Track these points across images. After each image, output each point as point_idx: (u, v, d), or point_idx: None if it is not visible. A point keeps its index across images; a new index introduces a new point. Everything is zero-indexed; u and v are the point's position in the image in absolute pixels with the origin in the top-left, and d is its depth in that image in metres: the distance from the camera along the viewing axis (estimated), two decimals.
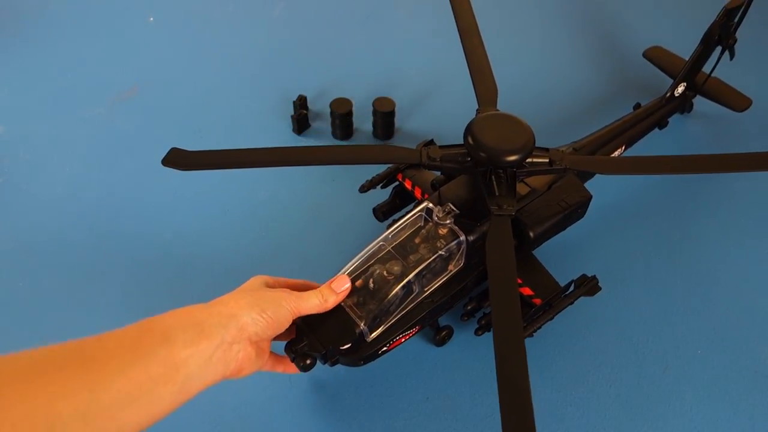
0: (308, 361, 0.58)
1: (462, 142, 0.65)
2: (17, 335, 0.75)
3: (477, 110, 0.71)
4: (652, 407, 0.70)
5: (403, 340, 0.65)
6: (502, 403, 0.49)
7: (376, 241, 0.64)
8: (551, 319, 0.69)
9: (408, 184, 0.77)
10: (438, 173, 0.74)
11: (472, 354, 0.73)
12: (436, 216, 0.64)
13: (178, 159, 0.65)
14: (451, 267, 0.65)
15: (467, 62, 0.75)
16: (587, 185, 0.76)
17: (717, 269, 0.82)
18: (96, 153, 0.95)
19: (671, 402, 0.70)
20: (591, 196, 0.71)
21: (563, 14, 1.21)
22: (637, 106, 0.93)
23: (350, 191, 0.82)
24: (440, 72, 1.08)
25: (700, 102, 0.97)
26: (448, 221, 0.63)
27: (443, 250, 0.63)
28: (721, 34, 0.85)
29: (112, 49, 1.12)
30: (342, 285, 0.59)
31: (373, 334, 0.61)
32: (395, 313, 0.62)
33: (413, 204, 0.79)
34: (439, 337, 0.72)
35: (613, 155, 0.84)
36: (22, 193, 0.90)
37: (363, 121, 0.99)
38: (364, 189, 0.79)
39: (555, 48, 1.14)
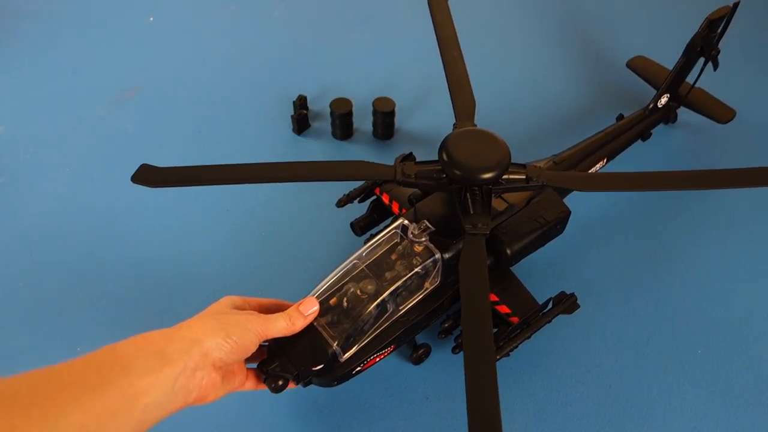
0: (280, 383, 0.57)
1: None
2: (17, 335, 0.75)
3: (454, 124, 0.70)
4: (652, 407, 0.70)
5: (378, 359, 0.64)
6: (471, 429, 0.47)
7: (350, 259, 0.62)
8: (528, 338, 0.67)
9: (386, 199, 0.76)
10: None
11: None
12: (411, 233, 0.62)
13: (148, 176, 0.63)
14: (427, 285, 0.64)
15: (446, 75, 0.73)
16: (569, 198, 0.75)
17: (715, 271, 0.82)
18: (96, 153, 0.95)
19: (671, 402, 0.70)
20: (570, 212, 0.70)
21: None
22: (620, 117, 0.91)
23: (327, 205, 0.80)
24: (440, 72, 1.06)
25: (684, 112, 0.96)
26: (423, 239, 0.62)
27: (418, 267, 0.61)
28: (704, 46, 0.83)
29: (112, 49, 1.12)
30: (310, 308, 0.58)
31: (346, 354, 0.60)
32: (369, 333, 0.61)
33: (391, 219, 0.77)
34: (416, 355, 0.71)
35: (594, 168, 0.83)
36: (22, 193, 0.90)
37: (363, 121, 0.99)
38: (341, 203, 0.77)
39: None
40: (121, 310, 0.77)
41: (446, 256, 0.63)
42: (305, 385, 0.60)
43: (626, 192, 0.89)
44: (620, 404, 0.70)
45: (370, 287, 0.60)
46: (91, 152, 0.95)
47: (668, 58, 0.91)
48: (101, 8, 1.20)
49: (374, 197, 0.78)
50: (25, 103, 1.02)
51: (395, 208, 0.75)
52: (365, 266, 0.62)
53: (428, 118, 1.01)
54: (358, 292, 0.60)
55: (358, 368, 0.62)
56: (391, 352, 0.65)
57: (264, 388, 0.58)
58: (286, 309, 0.58)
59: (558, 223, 0.69)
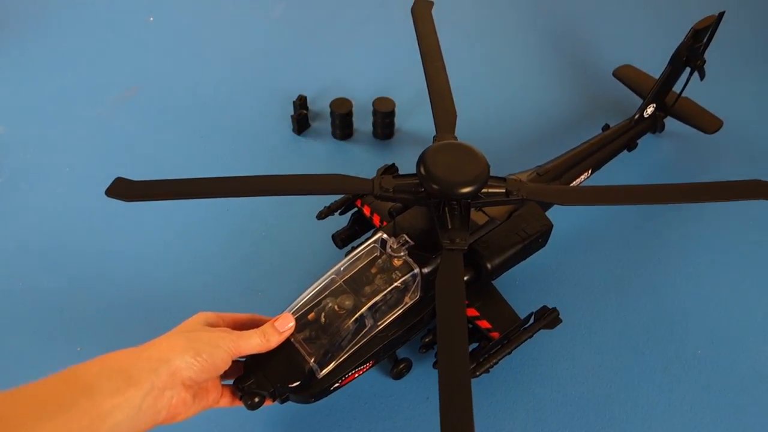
0: (256, 399, 0.56)
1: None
2: (16, 335, 0.75)
3: (434, 137, 0.68)
4: (652, 407, 0.70)
5: (356, 375, 0.63)
6: None
7: (328, 274, 0.62)
8: (509, 353, 0.65)
9: (367, 211, 0.75)
10: None
11: None
12: (390, 247, 0.62)
13: (122, 190, 0.61)
14: (406, 299, 0.63)
15: (428, 86, 0.72)
16: (552, 211, 0.74)
17: (715, 271, 0.82)
18: (96, 153, 0.95)
19: (671, 402, 0.70)
20: (552, 225, 0.69)
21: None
22: (606, 127, 0.90)
23: (308, 217, 0.79)
24: None
25: (672, 121, 0.95)
26: (402, 253, 0.61)
27: (397, 282, 0.60)
28: (689, 56, 0.83)
29: (112, 49, 1.12)
30: (285, 324, 0.57)
31: (323, 371, 0.59)
32: (347, 348, 0.60)
33: (372, 231, 0.76)
34: (397, 370, 0.70)
35: (579, 179, 0.82)
36: (22, 193, 0.90)
37: (363, 121, 0.99)
38: (321, 216, 0.76)
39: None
40: (121, 310, 0.77)
41: (425, 270, 0.62)
42: (282, 402, 0.59)
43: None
44: (620, 404, 0.70)
45: (348, 302, 0.59)
46: (91, 152, 0.95)
47: (656, 67, 0.90)
48: (101, 8, 1.20)
49: (356, 209, 0.77)
50: (25, 103, 1.03)
51: (376, 220, 0.74)
52: (343, 281, 0.61)
53: (428, 118, 0.99)
54: (336, 307, 0.59)
55: (336, 384, 0.61)
56: (370, 367, 0.64)
57: (240, 404, 0.57)
58: (263, 324, 0.57)
59: (540, 236, 0.68)
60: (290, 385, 0.57)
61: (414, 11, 0.79)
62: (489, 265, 0.66)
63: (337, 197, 0.77)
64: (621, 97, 1.01)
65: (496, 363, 0.65)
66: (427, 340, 0.68)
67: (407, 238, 0.63)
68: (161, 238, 0.84)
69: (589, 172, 0.84)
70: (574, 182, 0.82)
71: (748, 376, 0.72)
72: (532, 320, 0.67)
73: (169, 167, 0.93)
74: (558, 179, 0.79)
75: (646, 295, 0.79)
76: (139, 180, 0.62)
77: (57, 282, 0.80)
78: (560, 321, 0.68)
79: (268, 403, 0.58)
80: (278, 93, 1.03)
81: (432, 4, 0.80)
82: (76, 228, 0.86)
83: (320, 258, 0.81)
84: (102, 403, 0.44)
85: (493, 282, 0.70)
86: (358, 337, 0.61)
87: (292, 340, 0.58)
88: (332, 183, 0.65)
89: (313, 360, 0.58)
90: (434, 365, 0.67)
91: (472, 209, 0.64)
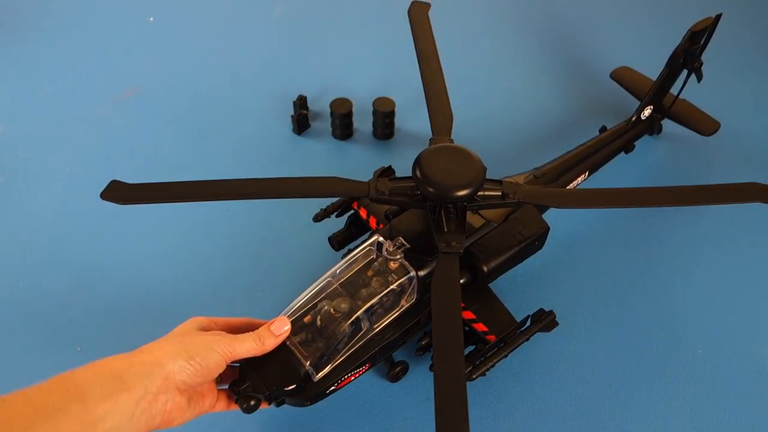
0: (252, 403, 0.56)
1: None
2: (17, 335, 0.75)
3: (431, 139, 0.68)
4: (652, 407, 0.70)
5: (352, 378, 0.63)
6: None
7: (324, 277, 0.62)
8: (505, 356, 0.65)
9: (363, 213, 0.75)
10: None
11: None
12: (386, 250, 0.61)
13: (117, 193, 0.61)
14: (403, 302, 0.63)
15: (424, 89, 0.72)
16: (551, 211, 0.74)
17: (715, 271, 0.82)
18: (96, 153, 0.95)
19: (671, 402, 0.70)
20: (549, 228, 0.69)
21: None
22: (603, 129, 0.90)
23: (304, 219, 0.78)
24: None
25: (669, 123, 0.94)
26: (398, 256, 0.61)
27: (393, 285, 0.60)
28: (687, 58, 0.82)
29: (113, 49, 1.12)
30: (281, 327, 0.56)
31: (319, 374, 0.59)
32: (344, 351, 0.60)
33: (368, 234, 0.75)
34: (393, 373, 0.69)
35: (576, 181, 0.82)
36: (22, 193, 0.90)
37: (363, 121, 0.99)
38: (317, 218, 0.76)
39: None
40: (121, 309, 0.77)
41: (421, 273, 0.62)
42: (278, 405, 0.59)
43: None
44: (620, 404, 0.70)
45: (344, 305, 0.59)
46: (91, 152, 0.95)
47: (653, 69, 0.89)
48: (101, 8, 1.20)
49: (352, 211, 0.77)
50: (25, 103, 1.03)
51: (373, 223, 0.74)
52: (339, 284, 0.61)
53: (428, 118, 1.01)
54: (332, 310, 0.59)
55: (333, 387, 0.61)
56: (366, 370, 0.64)
57: (236, 408, 0.57)
58: (258, 328, 0.57)
59: (537, 239, 0.68)
60: (286, 389, 0.57)
61: (411, 13, 0.79)
62: (485, 268, 0.66)
63: (334, 199, 0.76)
64: (618, 99, 1.01)
65: (493, 366, 0.65)
66: (423, 342, 0.68)
67: (403, 241, 0.63)
68: (161, 238, 0.84)
69: (586, 174, 0.84)
70: (571, 184, 0.81)
71: (748, 376, 0.72)
72: (528, 323, 0.67)
73: (169, 167, 0.93)
74: (555, 181, 0.79)
75: (645, 295, 0.79)
76: (135, 183, 0.62)
77: (57, 282, 0.80)
78: (557, 324, 0.68)
79: (263, 406, 0.58)
80: (278, 93, 1.03)
81: (429, 6, 0.80)
82: (76, 228, 0.86)
83: (317, 260, 0.81)
84: (94, 408, 0.44)
85: (489, 284, 0.70)
86: (354, 340, 0.61)
87: (287, 343, 0.58)
88: (328, 186, 0.65)
89: (309, 363, 0.58)
90: (431, 368, 0.67)
91: (469, 212, 0.64)
